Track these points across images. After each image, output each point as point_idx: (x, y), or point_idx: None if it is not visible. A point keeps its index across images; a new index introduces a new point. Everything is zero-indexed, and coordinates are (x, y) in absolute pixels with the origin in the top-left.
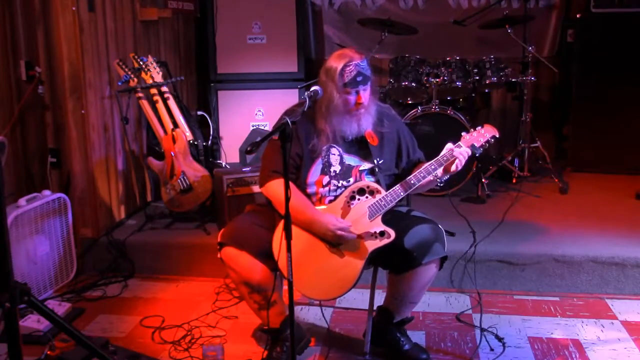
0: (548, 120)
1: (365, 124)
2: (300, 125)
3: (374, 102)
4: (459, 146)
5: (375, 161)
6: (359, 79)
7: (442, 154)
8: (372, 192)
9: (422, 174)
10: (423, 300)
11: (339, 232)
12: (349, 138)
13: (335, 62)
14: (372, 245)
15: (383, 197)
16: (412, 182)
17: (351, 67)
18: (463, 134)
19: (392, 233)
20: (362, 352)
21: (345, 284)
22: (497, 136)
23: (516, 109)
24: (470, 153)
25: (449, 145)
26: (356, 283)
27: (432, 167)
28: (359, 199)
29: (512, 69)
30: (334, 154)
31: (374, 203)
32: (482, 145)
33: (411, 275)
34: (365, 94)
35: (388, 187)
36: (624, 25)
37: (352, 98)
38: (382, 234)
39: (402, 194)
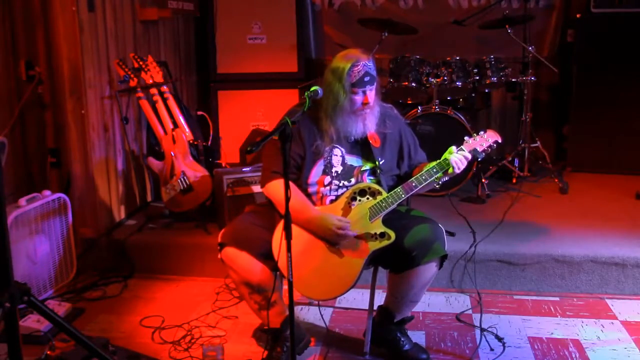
0: (548, 120)
1: (370, 124)
2: (302, 126)
3: (378, 103)
4: (462, 150)
5: (377, 162)
6: (366, 79)
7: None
8: (374, 194)
9: (423, 177)
10: (423, 300)
11: (339, 231)
12: (352, 139)
13: (342, 62)
14: (372, 246)
15: (384, 198)
16: (413, 184)
17: (359, 67)
18: (466, 138)
19: (392, 235)
20: (362, 352)
21: (344, 284)
22: (500, 141)
23: (516, 109)
24: (469, 158)
25: (452, 148)
26: (355, 283)
27: (434, 170)
28: (360, 200)
29: (512, 69)
30: (337, 155)
31: (375, 204)
32: (484, 150)
33: (411, 274)
34: (371, 94)
35: (389, 188)
36: (624, 25)
37: (359, 98)
38: (382, 235)
39: (403, 195)
